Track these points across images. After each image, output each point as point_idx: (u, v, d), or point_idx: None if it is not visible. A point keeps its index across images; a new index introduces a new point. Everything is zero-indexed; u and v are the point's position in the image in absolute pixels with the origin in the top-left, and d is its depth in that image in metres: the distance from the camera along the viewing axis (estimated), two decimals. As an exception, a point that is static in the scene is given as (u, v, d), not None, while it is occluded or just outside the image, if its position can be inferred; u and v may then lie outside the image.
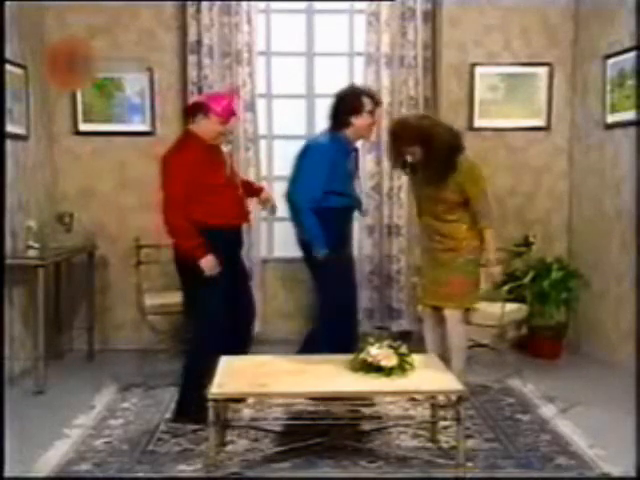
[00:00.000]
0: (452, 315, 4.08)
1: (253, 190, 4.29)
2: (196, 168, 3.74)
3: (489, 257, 4.06)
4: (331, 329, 4.08)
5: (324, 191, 3.97)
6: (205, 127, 3.82)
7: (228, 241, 3.89)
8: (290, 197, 4.05)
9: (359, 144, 4.50)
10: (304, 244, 4.11)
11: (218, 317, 3.86)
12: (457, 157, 4.02)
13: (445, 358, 3.94)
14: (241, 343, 4.01)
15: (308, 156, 4.06)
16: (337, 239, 4.05)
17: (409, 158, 4.10)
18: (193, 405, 3.68)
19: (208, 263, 3.76)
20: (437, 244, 4.09)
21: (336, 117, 4.11)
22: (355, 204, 4.26)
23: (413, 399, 4.03)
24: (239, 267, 4.09)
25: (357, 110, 4.05)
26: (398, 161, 4.19)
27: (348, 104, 4.07)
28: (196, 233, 3.75)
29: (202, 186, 3.75)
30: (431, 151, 3.96)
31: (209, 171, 3.79)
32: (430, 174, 4.02)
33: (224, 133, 3.96)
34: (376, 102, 4.18)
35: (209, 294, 3.82)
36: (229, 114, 3.86)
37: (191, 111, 3.92)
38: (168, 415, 3.97)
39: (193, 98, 5.24)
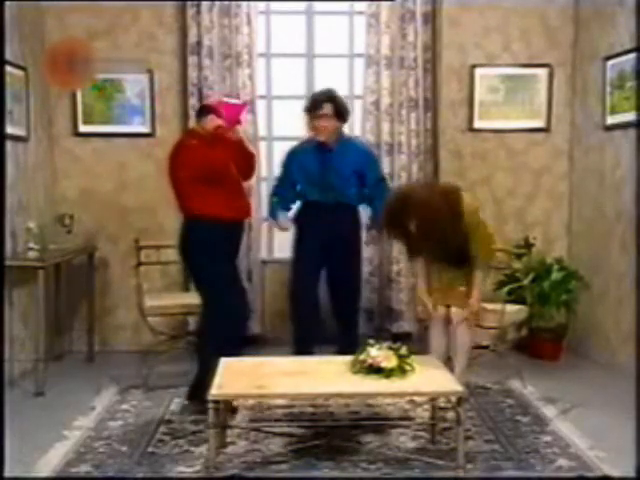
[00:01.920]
0: (459, 315, 4.08)
1: None
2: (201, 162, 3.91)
3: (473, 301, 4.07)
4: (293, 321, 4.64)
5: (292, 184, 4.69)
6: (211, 128, 4.00)
7: (236, 233, 4.02)
8: None
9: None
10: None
11: (229, 300, 3.98)
12: (459, 222, 3.94)
13: (449, 362, 3.95)
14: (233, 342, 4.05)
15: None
16: (299, 233, 4.63)
17: (412, 228, 3.96)
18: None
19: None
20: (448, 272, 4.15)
21: None
22: (324, 199, 4.54)
23: (413, 400, 4.04)
24: (235, 261, 4.18)
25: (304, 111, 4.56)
26: (398, 232, 4.09)
27: None
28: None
29: (209, 180, 3.88)
30: (430, 226, 3.88)
31: (227, 164, 3.94)
32: (435, 246, 3.98)
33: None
34: (311, 106, 4.51)
35: (224, 282, 3.98)
36: (235, 122, 4.06)
37: (203, 111, 4.13)
38: (168, 417, 3.98)
39: (193, 100, 5.27)
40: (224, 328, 3.95)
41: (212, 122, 4.00)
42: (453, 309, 4.10)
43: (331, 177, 4.51)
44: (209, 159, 3.88)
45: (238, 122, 4.10)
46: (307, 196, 4.63)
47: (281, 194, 4.74)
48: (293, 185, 4.68)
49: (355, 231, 4.68)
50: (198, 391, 3.93)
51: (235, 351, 3.73)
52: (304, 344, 4.43)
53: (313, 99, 4.58)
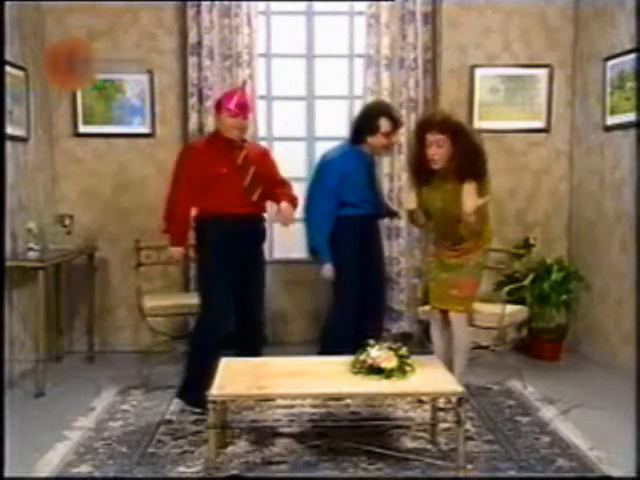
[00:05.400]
0: (459, 318, 4.08)
1: (274, 193, 4.21)
2: (201, 159, 4.01)
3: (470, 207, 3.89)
4: (332, 329, 4.37)
5: (338, 202, 4.24)
6: (220, 122, 4.07)
7: (227, 231, 3.98)
8: (307, 209, 4.36)
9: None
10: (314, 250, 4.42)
11: (217, 306, 4.02)
12: (484, 165, 3.93)
13: (451, 363, 3.94)
14: (246, 344, 4.05)
15: (320, 171, 4.35)
16: (351, 247, 4.27)
17: (432, 152, 3.89)
18: (194, 392, 3.84)
19: (173, 253, 4.17)
20: (449, 250, 4.07)
21: (354, 131, 4.32)
22: (375, 212, 4.43)
23: (413, 401, 4.04)
24: (249, 263, 4.12)
25: (373, 131, 4.22)
26: (417, 159, 4.01)
27: (365, 123, 4.25)
28: (183, 222, 4.07)
29: (204, 176, 3.96)
30: (460, 142, 3.88)
31: (214, 162, 3.99)
32: (456, 167, 3.89)
33: (237, 127, 4.03)
34: (395, 124, 4.26)
35: (210, 283, 4.07)
36: (237, 108, 4.00)
37: (214, 110, 4.25)
38: (168, 417, 3.98)
39: (193, 100, 5.27)
40: (205, 330, 4.05)
41: (222, 121, 4.03)
42: (452, 314, 4.09)
43: (378, 188, 4.53)
44: (201, 157, 4.02)
45: (242, 107, 4.00)
46: (351, 212, 4.27)
47: (329, 226, 4.24)
48: (336, 205, 4.24)
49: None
50: (184, 390, 4.09)
51: (212, 354, 3.66)
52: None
53: (395, 115, 4.31)
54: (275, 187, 4.15)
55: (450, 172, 3.92)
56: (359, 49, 5.50)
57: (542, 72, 5.47)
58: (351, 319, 4.32)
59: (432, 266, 4.22)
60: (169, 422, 3.90)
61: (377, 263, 4.53)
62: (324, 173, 4.31)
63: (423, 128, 3.98)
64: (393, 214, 4.79)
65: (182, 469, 3.32)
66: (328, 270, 4.30)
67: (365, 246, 4.35)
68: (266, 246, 5.55)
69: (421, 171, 4.03)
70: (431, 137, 3.89)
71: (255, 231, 4.18)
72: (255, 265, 4.19)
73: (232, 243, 3.99)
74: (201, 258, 4.16)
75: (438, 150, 3.89)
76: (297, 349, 4.78)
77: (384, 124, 4.19)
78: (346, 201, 4.25)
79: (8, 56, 4.40)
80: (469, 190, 3.85)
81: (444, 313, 4.16)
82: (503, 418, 3.97)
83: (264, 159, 4.25)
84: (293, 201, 4.14)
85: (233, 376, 3.35)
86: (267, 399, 3.88)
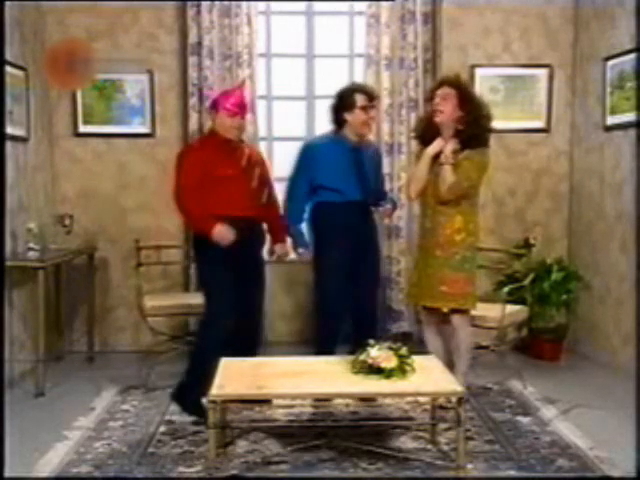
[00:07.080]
0: (461, 319, 4.05)
1: (273, 230, 4.24)
2: (205, 160, 3.89)
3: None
4: (319, 325, 4.30)
5: (315, 186, 4.20)
6: (218, 122, 3.99)
7: (236, 234, 3.88)
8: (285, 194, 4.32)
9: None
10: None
11: (223, 310, 3.91)
12: (486, 138, 4.02)
13: (450, 363, 3.93)
14: (244, 344, 4.00)
15: (297, 156, 4.30)
16: (330, 233, 4.20)
17: (437, 102, 3.97)
18: (190, 398, 3.88)
19: (219, 232, 3.82)
20: (430, 238, 4.04)
21: (333, 116, 4.27)
22: (359, 199, 4.21)
23: (413, 401, 4.03)
24: (250, 264, 4.05)
25: (349, 107, 4.17)
26: (426, 119, 4.14)
27: (341, 101, 4.22)
28: (206, 214, 3.86)
29: (210, 178, 3.87)
30: (467, 102, 3.96)
31: (218, 164, 3.90)
32: (460, 129, 3.95)
33: (237, 127, 3.97)
34: (370, 98, 4.22)
35: (215, 288, 3.94)
36: (235, 107, 3.94)
37: (209, 109, 4.15)
38: (168, 417, 3.98)
39: (193, 100, 5.27)
40: (207, 331, 3.95)
41: (220, 121, 3.94)
42: (455, 317, 4.04)
43: (364, 175, 4.24)
44: (206, 159, 3.89)
45: (241, 106, 3.94)
46: (331, 197, 4.20)
47: (301, 207, 4.26)
48: (309, 187, 4.22)
49: (376, 229, 4.50)
50: (180, 393, 4.00)
51: (213, 356, 3.57)
52: (329, 347, 4.18)
53: (368, 90, 4.28)
54: (269, 211, 4.16)
55: (453, 135, 3.98)
56: (359, 49, 5.51)
57: (542, 72, 5.47)
58: (334, 314, 4.22)
59: (418, 261, 4.16)
60: (169, 422, 3.91)
61: (369, 262, 4.32)
62: (298, 157, 4.28)
63: (436, 86, 4.14)
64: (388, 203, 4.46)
65: (182, 469, 3.32)
66: (303, 253, 4.27)
67: (353, 238, 4.18)
68: (266, 246, 5.61)
69: (427, 132, 4.08)
70: (440, 92, 4.02)
71: (258, 233, 4.14)
72: (257, 267, 4.14)
73: (238, 246, 3.89)
74: (205, 261, 4.01)
75: (444, 102, 3.99)
76: (296, 349, 4.78)
77: (359, 98, 4.16)
78: (319, 184, 4.18)
79: (8, 56, 4.40)
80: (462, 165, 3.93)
81: (435, 313, 4.12)
82: (503, 418, 3.97)
83: (263, 163, 4.24)
84: (284, 231, 4.27)
85: (233, 376, 3.35)
86: (267, 399, 3.88)
